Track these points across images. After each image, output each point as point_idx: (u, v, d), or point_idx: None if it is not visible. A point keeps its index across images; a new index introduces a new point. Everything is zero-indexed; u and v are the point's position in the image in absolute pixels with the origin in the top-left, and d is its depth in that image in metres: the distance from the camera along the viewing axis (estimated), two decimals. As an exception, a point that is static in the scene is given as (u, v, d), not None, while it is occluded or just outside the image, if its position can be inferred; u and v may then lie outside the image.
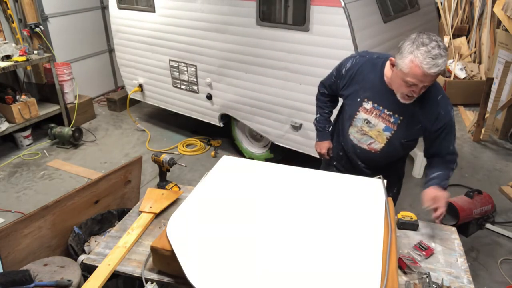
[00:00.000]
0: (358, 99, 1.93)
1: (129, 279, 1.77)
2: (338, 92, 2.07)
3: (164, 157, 2.20)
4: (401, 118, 1.87)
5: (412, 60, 1.58)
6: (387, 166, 2.10)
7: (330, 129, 2.26)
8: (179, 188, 2.21)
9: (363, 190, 1.92)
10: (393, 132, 1.91)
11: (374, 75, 1.88)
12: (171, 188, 2.19)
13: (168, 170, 2.24)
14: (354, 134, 2.04)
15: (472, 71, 5.57)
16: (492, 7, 5.18)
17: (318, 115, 2.26)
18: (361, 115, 1.95)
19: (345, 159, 2.19)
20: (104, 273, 1.65)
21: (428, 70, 1.55)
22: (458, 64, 5.61)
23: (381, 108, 1.88)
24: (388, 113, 1.88)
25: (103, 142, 4.71)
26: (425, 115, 1.84)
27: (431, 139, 1.92)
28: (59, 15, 5.14)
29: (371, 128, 1.95)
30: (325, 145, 2.25)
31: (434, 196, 1.82)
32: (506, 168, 4.01)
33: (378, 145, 1.99)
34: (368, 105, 1.91)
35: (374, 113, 1.90)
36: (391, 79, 1.78)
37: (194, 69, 4.05)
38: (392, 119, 1.88)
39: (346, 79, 1.97)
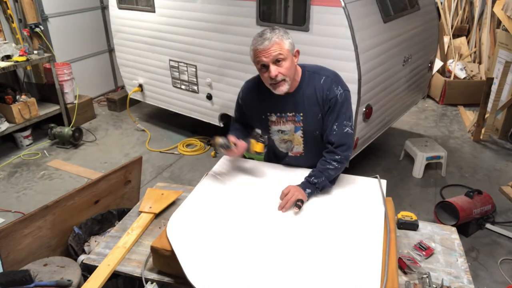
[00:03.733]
0: (263, 117, 2.00)
1: (129, 279, 1.77)
2: (251, 122, 2.12)
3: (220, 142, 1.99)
4: (301, 114, 1.92)
5: (251, 48, 1.80)
6: None
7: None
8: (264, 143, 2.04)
9: (362, 190, 1.93)
10: (302, 129, 1.96)
11: (259, 90, 1.96)
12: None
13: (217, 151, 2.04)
14: (280, 146, 2.09)
15: (472, 71, 5.57)
16: (492, 7, 5.18)
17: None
18: (273, 128, 2.01)
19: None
20: (104, 273, 1.65)
21: (260, 46, 1.74)
22: (458, 64, 5.61)
23: (283, 114, 1.95)
24: (290, 114, 1.93)
25: (103, 142, 4.71)
26: (316, 102, 1.87)
27: (325, 122, 1.91)
28: (59, 15, 5.14)
29: (287, 134, 2.00)
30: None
31: (287, 192, 1.81)
32: (506, 168, 4.01)
33: (299, 148, 2.04)
34: (272, 117, 1.98)
35: (281, 121, 1.97)
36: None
37: (194, 69, 4.05)
38: (296, 118, 1.94)
39: (245, 106, 2.05)
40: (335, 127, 1.87)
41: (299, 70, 1.90)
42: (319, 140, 1.96)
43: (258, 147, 1.96)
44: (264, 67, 1.78)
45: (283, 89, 1.81)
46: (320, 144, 1.97)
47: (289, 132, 1.98)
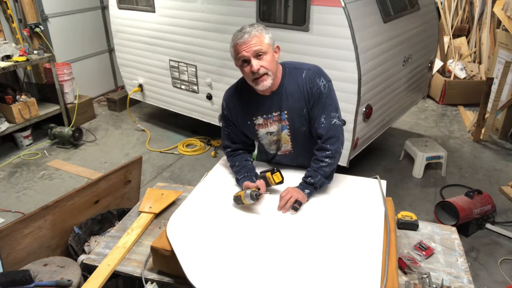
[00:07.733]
0: (249, 122, 1.96)
1: (129, 279, 1.77)
2: (241, 130, 2.03)
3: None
4: (285, 112, 1.88)
5: (231, 45, 1.78)
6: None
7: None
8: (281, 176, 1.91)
9: (362, 190, 1.93)
10: (288, 127, 1.93)
11: (241, 95, 1.94)
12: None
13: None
14: (271, 148, 2.07)
15: (472, 71, 5.57)
16: (492, 7, 5.18)
17: (239, 177, 1.99)
18: (261, 132, 1.98)
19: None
20: (104, 273, 1.65)
21: (240, 40, 1.72)
22: (458, 64, 5.61)
23: (268, 115, 1.91)
24: (275, 114, 1.90)
25: (103, 142, 4.71)
26: (300, 97, 1.85)
27: (313, 116, 1.89)
28: (59, 15, 5.14)
29: (276, 135, 1.98)
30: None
31: (286, 193, 1.81)
32: (506, 168, 4.01)
33: (287, 146, 2.02)
34: (259, 120, 1.94)
35: (268, 122, 1.94)
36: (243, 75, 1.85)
37: (194, 69, 4.05)
38: (281, 117, 1.91)
39: (232, 115, 1.99)
40: (322, 119, 1.84)
41: (280, 67, 1.87)
42: (307, 136, 1.94)
43: (276, 178, 1.86)
44: (245, 62, 1.74)
45: (267, 83, 1.77)
46: (308, 140, 1.95)
47: (276, 132, 1.96)
